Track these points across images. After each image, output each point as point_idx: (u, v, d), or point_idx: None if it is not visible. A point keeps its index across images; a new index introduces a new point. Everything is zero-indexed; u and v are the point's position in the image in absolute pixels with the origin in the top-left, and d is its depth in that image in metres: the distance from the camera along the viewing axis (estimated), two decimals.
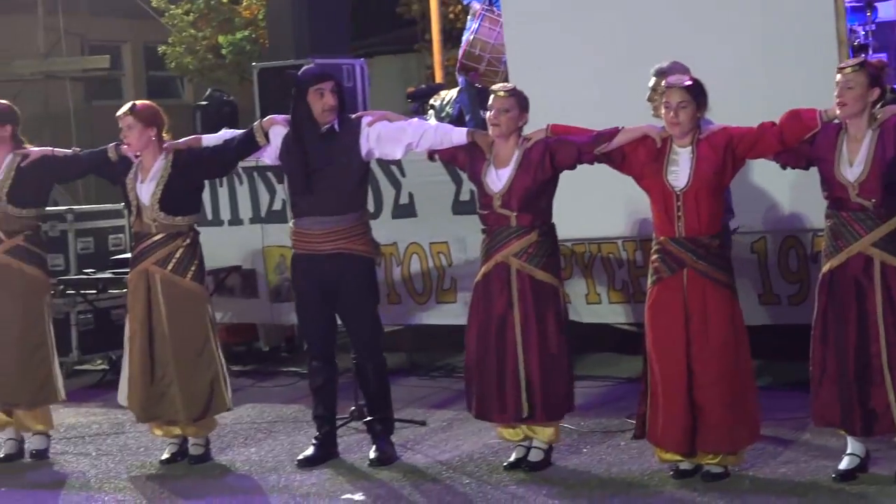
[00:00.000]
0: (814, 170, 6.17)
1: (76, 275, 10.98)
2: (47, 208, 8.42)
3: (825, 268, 6.09)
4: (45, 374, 7.71)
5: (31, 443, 7.83)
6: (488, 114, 6.71)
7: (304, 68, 7.74)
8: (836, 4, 7.55)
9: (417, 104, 12.06)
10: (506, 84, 7.00)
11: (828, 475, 6.21)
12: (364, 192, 7.36)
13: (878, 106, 5.97)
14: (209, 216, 10.06)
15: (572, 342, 6.90)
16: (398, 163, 8.74)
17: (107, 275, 10.61)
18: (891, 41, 9.77)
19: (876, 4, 9.92)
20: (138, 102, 7.52)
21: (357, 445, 7.39)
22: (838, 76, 5.94)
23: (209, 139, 7.61)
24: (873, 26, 9.80)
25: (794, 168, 6.32)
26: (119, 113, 7.34)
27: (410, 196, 9.30)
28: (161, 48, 20.29)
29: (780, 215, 7.75)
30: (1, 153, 7.58)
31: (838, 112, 5.89)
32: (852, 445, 6.17)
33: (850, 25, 9.07)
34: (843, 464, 6.16)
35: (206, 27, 19.46)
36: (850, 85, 5.84)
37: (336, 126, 7.04)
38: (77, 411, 8.44)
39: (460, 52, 10.89)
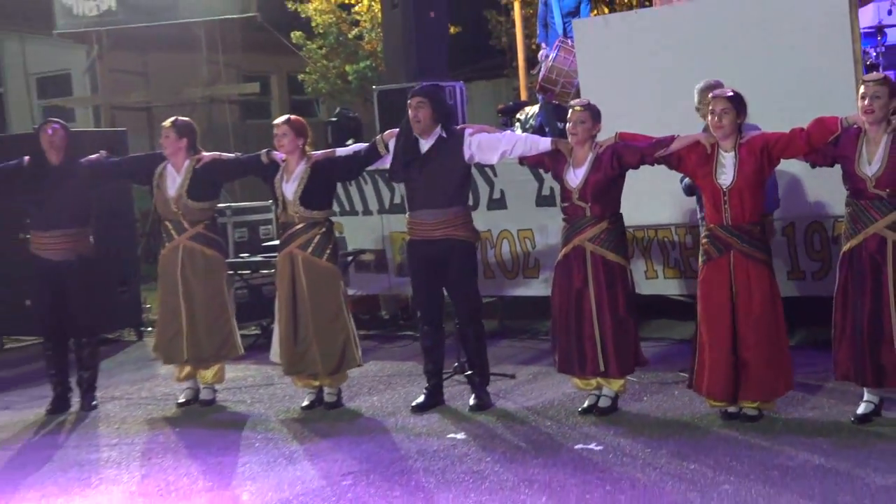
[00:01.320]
0: (832, 166, 6.17)
1: (234, 259, 11.12)
2: (217, 204, 8.45)
3: (845, 247, 6.10)
4: (227, 333, 7.82)
5: (203, 393, 7.96)
6: (568, 125, 6.74)
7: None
8: (853, 30, 7.52)
9: (506, 118, 12.16)
10: (581, 100, 6.97)
11: (847, 418, 6.21)
12: (466, 189, 7.41)
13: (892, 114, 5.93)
14: (349, 208, 10.22)
15: (637, 310, 6.89)
16: (491, 165, 8.73)
17: (258, 258, 10.73)
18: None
19: (886, 30, 9.83)
20: (292, 116, 7.60)
21: (459, 395, 7.42)
22: (863, 88, 5.94)
23: (342, 151, 7.68)
24: (883, 48, 9.73)
25: (820, 166, 6.29)
26: (278, 121, 7.43)
27: (502, 192, 9.35)
28: (300, 76, 20.41)
29: (805, 204, 7.71)
30: (181, 159, 7.66)
31: (864, 118, 5.90)
32: (868, 394, 6.18)
33: (864, 48, 9.00)
34: (861, 409, 6.16)
35: (335, 59, 19.57)
36: (878, 95, 5.83)
37: (443, 135, 7.06)
38: (235, 368, 8.57)
39: (540, 76, 10.92)
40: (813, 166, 6.33)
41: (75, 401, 8.06)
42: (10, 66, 17.49)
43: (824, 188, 7.30)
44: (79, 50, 19.61)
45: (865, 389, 6.16)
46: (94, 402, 8.05)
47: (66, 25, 16.16)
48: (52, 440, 7.30)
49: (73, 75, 21.26)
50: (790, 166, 6.97)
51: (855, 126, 5.96)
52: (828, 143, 6.02)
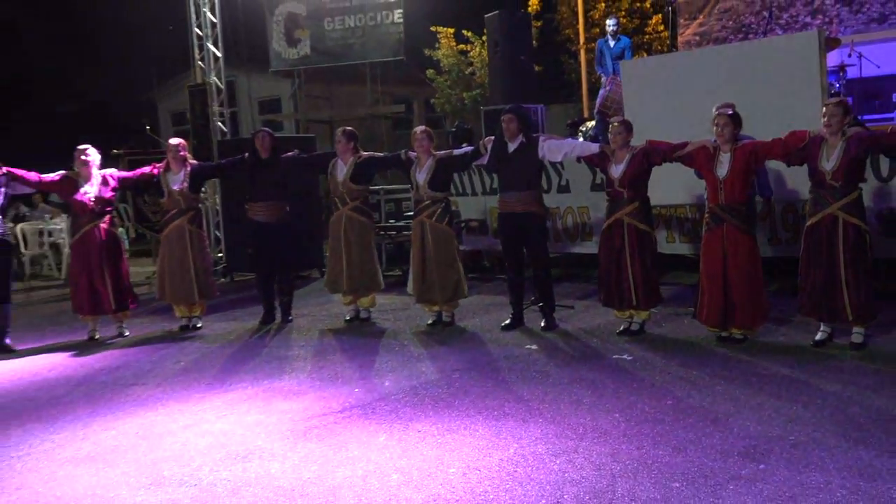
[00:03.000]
0: (801, 165, 5.98)
1: (384, 223, 11.22)
2: (371, 187, 8.49)
3: (809, 222, 5.93)
4: (373, 273, 7.86)
5: (361, 314, 8.05)
6: (610, 134, 6.70)
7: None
8: (822, 67, 7.30)
9: (573, 130, 11.92)
10: (619, 118, 6.96)
11: (808, 343, 6.03)
12: (540, 177, 7.41)
13: (848, 126, 5.75)
14: (462, 190, 10.20)
15: (658, 264, 6.78)
16: (560, 163, 8.63)
17: (401, 223, 10.80)
18: (855, 90, 9.27)
19: (847, 68, 9.48)
20: (426, 127, 7.65)
21: (534, 319, 7.36)
22: (825, 109, 5.81)
23: (458, 151, 7.65)
24: (844, 81, 9.37)
25: (793, 165, 6.09)
26: (417, 129, 7.50)
27: (568, 180, 9.23)
28: (432, 100, 20.49)
29: (783, 192, 7.46)
30: (348, 156, 7.68)
31: (824, 130, 5.75)
32: (823, 326, 6.03)
33: (830, 80, 8.73)
34: (818, 336, 6.03)
35: (456, 88, 19.56)
36: (835, 114, 5.70)
37: (525, 140, 7.01)
38: (383, 297, 8.62)
39: (598, 102, 10.95)
40: (788, 165, 6.15)
41: (278, 316, 8.24)
42: (240, 93, 17.91)
43: (796, 180, 7.06)
44: (285, 82, 19.89)
45: (821, 323, 6.00)
46: (290, 318, 8.21)
47: (277, 65, 16.33)
48: (261, 341, 7.48)
49: (282, 99, 21.62)
50: (773, 165, 6.76)
51: (819, 136, 5.77)
52: (799, 149, 5.86)
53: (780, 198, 7.49)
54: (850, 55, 9.74)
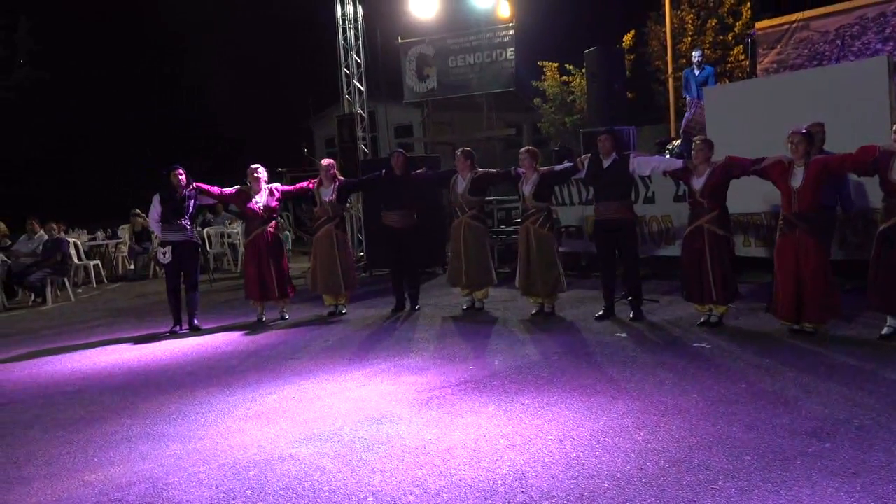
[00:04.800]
0: (873, 176, 5.63)
1: (496, 228, 11.21)
2: (486, 198, 8.48)
3: (881, 227, 5.57)
4: (487, 270, 7.81)
5: (476, 304, 8.02)
6: (693, 151, 6.46)
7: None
8: (890, 90, 6.86)
9: (660, 147, 11.55)
10: (700, 136, 6.73)
11: (875, 337, 5.66)
12: (630, 189, 7.21)
13: None
14: (562, 200, 9.99)
15: (736, 264, 6.49)
16: (648, 176, 8.38)
17: (510, 229, 10.76)
18: None
19: None
20: (530, 147, 7.61)
21: (624, 311, 7.19)
22: (894, 126, 5.45)
23: (558, 167, 7.56)
24: None
25: (865, 176, 5.76)
26: (522, 150, 7.50)
27: (653, 192, 8.94)
28: (539, 124, 20.30)
29: (857, 201, 6.96)
30: (466, 172, 7.70)
31: (895, 146, 5.42)
32: (889, 321, 5.64)
33: None
34: (884, 331, 5.65)
35: (559, 114, 19.34)
36: None
37: (618, 157, 6.87)
38: (494, 290, 8.49)
39: (683, 124, 10.58)
40: (859, 176, 5.79)
41: (408, 305, 8.32)
42: (380, 120, 18.20)
43: (867, 191, 6.62)
44: (416, 111, 20.14)
45: (888, 317, 5.60)
46: (417, 307, 8.30)
47: (409, 97, 16.61)
48: (392, 326, 7.59)
49: (414, 125, 21.95)
50: (850, 177, 6.37)
51: (889, 149, 5.41)
52: (869, 162, 5.49)
53: (856, 207, 7.05)
54: None
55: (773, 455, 3.54)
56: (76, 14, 29.76)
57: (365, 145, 13.08)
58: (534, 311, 7.53)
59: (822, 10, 11.69)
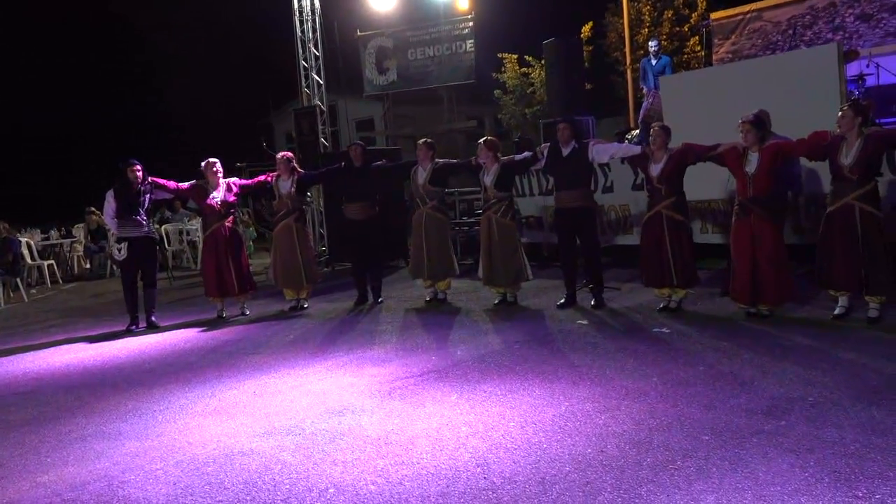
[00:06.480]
0: (823, 161, 5.74)
1: (458, 220, 11.21)
2: (446, 189, 8.46)
3: (828, 210, 5.66)
4: (449, 261, 7.79)
5: (439, 295, 8.01)
6: (650, 137, 6.51)
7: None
8: (840, 76, 7.04)
9: (620, 137, 11.66)
10: (658, 122, 6.77)
11: (829, 318, 5.79)
12: (590, 177, 7.21)
13: (866, 126, 5.54)
14: (522, 192, 9.98)
15: (693, 250, 6.56)
16: (607, 164, 8.43)
17: (472, 220, 10.76)
18: (873, 97, 8.83)
19: (865, 77, 9.07)
20: (490, 137, 7.62)
21: (586, 298, 7.24)
22: (840, 112, 5.57)
23: (518, 157, 7.55)
24: (864, 89, 8.95)
25: (816, 160, 5.87)
26: (480, 141, 7.44)
27: (612, 181, 8.98)
28: (500, 116, 20.38)
29: (808, 184, 7.11)
30: (427, 163, 7.67)
31: (839, 129, 5.49)
32: (841, 302, 5.76)
33: (850, 88, 8.36)
34: (837, 311, 5.76)
35: (519, 105, 19.42)
36: (846, 114, 5.48)
37: (577, 146, 6.90)
38: (457, 281, 8.51)
39: (641, 113, 10.75)
40: (811, 160, 5.91)
41: (370, 298, 8.28)
42: (340, 115, 18.15)
43: (823, 176, 6.77)
44: (377, 105, 20.07)
45: (840, 297, 5.73)
46: (379, 300, 8.26)
47: (369, 89, 16.54)
48: (355, 318, 7.55)
49: (375, 119, 21.84)
50: (804, 162, 6.51)
51: (840, 135, 5.52)
52: (821, 147, 5.61)
53: (805, 192, 7.18)
54: (868, 66, 9.31)
55: (730, 434, 3.59)
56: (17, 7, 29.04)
57: (325, 139, 12.95)
58: (496, 301, 7.53)
59: (774, 1, 11.93)
